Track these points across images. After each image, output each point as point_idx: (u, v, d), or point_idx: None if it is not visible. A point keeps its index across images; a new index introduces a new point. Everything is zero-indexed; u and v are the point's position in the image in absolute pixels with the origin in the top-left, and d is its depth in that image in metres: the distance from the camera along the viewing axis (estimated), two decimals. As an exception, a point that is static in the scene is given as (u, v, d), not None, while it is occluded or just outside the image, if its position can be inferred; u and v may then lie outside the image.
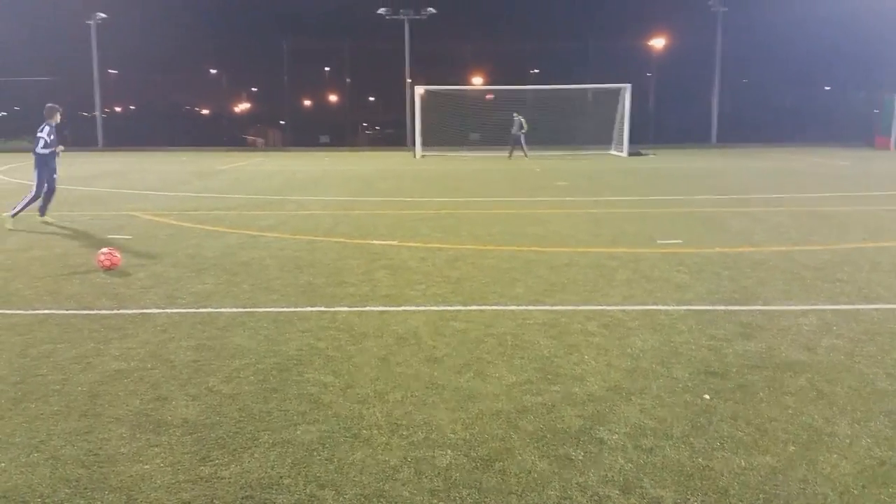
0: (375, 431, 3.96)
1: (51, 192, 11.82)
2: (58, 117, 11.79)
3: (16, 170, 26.19)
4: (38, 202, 11.76)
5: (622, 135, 34.51)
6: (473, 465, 3.59)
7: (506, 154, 32.03)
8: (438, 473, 3.50)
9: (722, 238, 10.13)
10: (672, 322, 5.98)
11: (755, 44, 49.71)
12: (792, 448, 3.76)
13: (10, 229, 11.04)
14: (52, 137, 11.57)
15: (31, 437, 3.90)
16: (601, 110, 37.78)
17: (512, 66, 53.76)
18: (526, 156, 31.64)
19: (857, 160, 28.92)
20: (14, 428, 4.02)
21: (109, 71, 53.68)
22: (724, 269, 7.99)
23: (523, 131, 31.96)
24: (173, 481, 3.43)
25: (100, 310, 6.47)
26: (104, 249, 8.23)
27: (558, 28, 54.69)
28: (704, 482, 3.41)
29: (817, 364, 5.00)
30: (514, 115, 32.34)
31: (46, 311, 6.43)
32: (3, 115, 58.51)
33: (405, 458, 3.65)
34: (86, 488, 3.38)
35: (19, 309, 6.53)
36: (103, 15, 46.90)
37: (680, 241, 9.83)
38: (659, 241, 9.87)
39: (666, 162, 29.02)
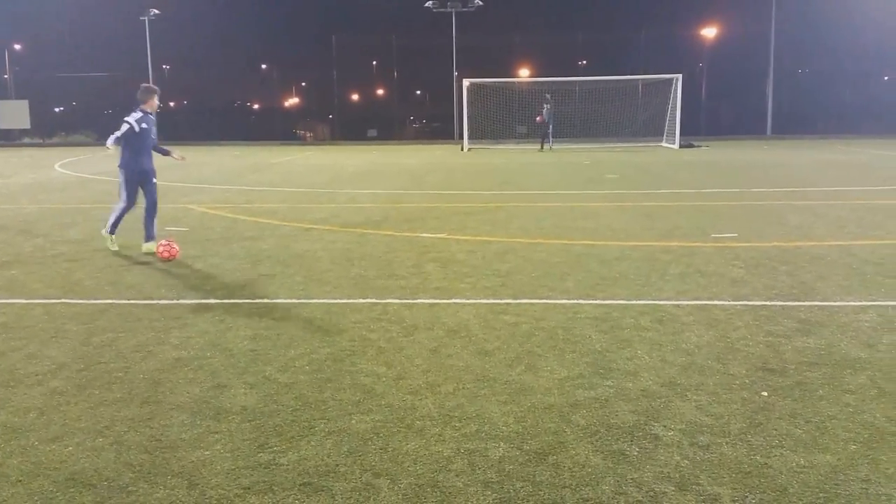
0: (428, 422, 3.99)
1: (151, 205, 9.03)
2: (154, 102, 8.97)
3: (74, 164, 26.97)
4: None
5: (674, 126, 33.96)
6: (526, 458, 3.59)
7: (549, 146, 31.99)
8: (492, 465, 3.52)
9: (779, 232, 9.92)
10: (728, 317, 5.88)
11: (811, 32, 48.32)
12: (853, 447, 3.67)
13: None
14: (144, 126, 8.72)
15: (96, 423, 4.03)
16: (652, 102, 37.24)
17: (560, 57, 53.20)
18: (541, 149, 31.58)
19: (919, 152, 27.96)
20: (79, 413, 4.16)
21: (163, 66, 54.86)
22: (781, 264, 7.83)
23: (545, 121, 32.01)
24: (233, 467, 3.52)
25: (159, 300, 6.64)
26: (163, 241, 8.44)
27: (607, 18, 54.00)
28: (763, 480, 3.36)
29: (878, 361, 4.87)
30: (546, 105, 32.27)
31: (108, 301, 6.63)
32: (61, 111, 60.23)
33: (458, 450, 3.67)
34: (149, 473, 3.48)
35: (82, 298, 6.74)
36: (156, 11, 47.90)
37: (735, 235, 9.65)
38: (713, 235, 9.71)
39: (719, 154, 28.46)
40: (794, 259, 8.09)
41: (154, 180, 9.03)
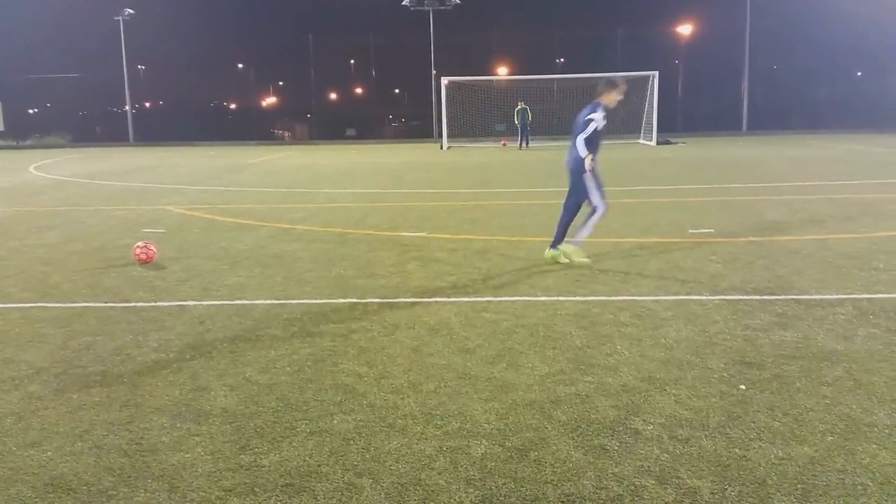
0: (410, 421, 3.99)
1: (577, 210, 7.93)
2: (615, 96, 7.78)
3: (49, 166, 26.64)
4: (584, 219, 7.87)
5: (651, 123, 34.21)
6: (508, 454, 3.60)
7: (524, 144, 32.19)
8: (474, 463, 3.53)
9: (755, 227, 10.02)
10: (706, 312, 5.94)
11: (786, 29, 48.93)
12: (830, 438, 3.72)
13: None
14: (605, 123, 7.66)
15: (75, 427, 3.99)
16: (629, 99, 37.16)
17: (537, 55, 53.50)
18: (520, 147, 31.84)
19: (893, 147, 28.36)
20: (58, 418, 4.12)
21: (138, 66, 54.33)
22: (758, 258, 7.92)
23: (520, 122, 32.28)
24: (214, 469, 3.50)
25: (137, 302, 6.58)
26: (140, 243, 8.37)
27: (584, 16, 54.30)
28: (742, 472, 3.39)
29: (854, 353, 4.94)
30: (521, 104, 32.46)
31: (85, 304, 6.56)
32: (34, 112, 59.48)
33: (440, 448, 3.68)
34: (129, 476, 3.45)
35: (59, 302, 6.67)
36: (131, 11, 47.43)
37: (712, 231, 9.74)
38: (691, 231, 9.79)
39: (696, 151, 28.70)
40: (771, 253, 8.19)
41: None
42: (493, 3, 55.00)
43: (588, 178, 7.69)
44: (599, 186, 7.76)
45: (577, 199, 7.87)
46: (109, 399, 4.37)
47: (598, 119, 7.55)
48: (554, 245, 7.95)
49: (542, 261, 8.00)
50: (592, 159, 7.58)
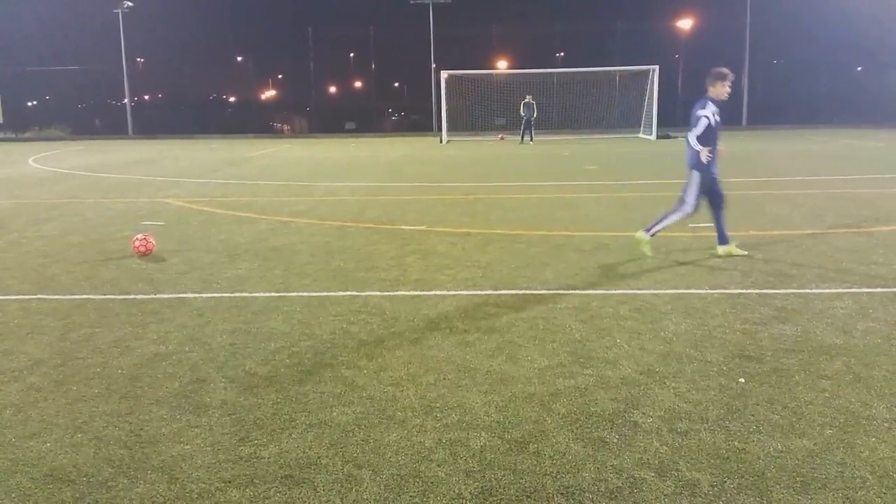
0: (409, 413, 3.99)
1: (721, 202, 7.94)
2: (722, 88, 7.61)
3: (48, 158, 26.61)
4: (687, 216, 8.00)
5: (651, 117, 34.17)
6: (508, 446, 3.61)
7: (527, 139, 32.03)
8: (473, 455, 3.53)
9: (755, 221, 10.02)
10: (705, 306, 5.94)
11: (786, 23, 48.81)
12: (829, 431, 3.73)
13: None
14: (718, 119, 7.62)
15: (75, 419, 3.99)
16: (629, 93, 37.48)
17: (538, 49, 53.33)
18: (522, 142, 31.72)
19: (892, 142, 28.35)
20: (58, 409, 4.12)
21: (137, 59, 54.19)
22: (757, 253, 7.92)
23: (525, 115, 32.09)
24: (214, 461, 3.50)
25: (136, 294, 6.58)
26: (139, 235, 8.36)
27: (585, 10, 54.14)
28: (741, 465, 3.40)
29: (853, 347, 4.94)
30: (529, 97, 32.25)
31: (84, 296, 6.55)
32: (33, 105, 59.36)
33: (440, 440, 3.68)
34: (129, 468, 3.46)
35: (58, 294, 6.66)
36: (130, 3, 47.29)
37: (712, 225, 9.71)
38: (690, 225, 9.75)
39: (695, 145, 28.64)
40: (771, 248, 8.19)
41: (715, 177, 7.86)
42: (492, -3, 54.91)
43: (695, 176, 7.76)
44: (703, 191, 7.79)
45: (720, 194, 7.92)
46: (109, 391, 4.38)
47: (709, 114, 7.54)
48: (721, 242, 7.93)
49: (541, 254, 8.00)
50: (710, 152, 7.60)
